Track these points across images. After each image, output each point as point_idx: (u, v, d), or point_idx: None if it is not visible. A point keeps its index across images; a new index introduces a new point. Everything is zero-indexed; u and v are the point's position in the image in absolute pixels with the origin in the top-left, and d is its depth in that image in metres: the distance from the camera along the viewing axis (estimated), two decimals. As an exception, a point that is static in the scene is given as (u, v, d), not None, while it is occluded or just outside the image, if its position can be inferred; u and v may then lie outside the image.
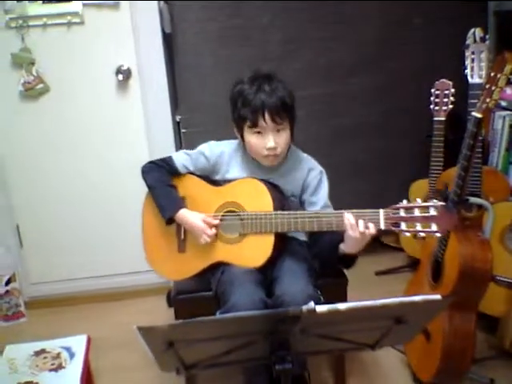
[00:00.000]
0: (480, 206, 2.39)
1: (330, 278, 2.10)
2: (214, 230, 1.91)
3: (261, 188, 1.89)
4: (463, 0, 2.89)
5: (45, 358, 2.06)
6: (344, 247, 1.79)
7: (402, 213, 1.67)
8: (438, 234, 1.66)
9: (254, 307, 1.73)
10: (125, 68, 2.80)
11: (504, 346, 2.32)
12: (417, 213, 1.65)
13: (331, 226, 1.77)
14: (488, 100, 1.86)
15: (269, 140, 1.84)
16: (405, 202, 1.68)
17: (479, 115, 1.89)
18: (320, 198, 1.96)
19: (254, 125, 1.84)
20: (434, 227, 1.65)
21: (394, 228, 1.68)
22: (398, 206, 1.67)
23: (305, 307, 1.21)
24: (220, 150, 2.01)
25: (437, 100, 2.77)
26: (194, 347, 1.29)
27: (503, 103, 2.76)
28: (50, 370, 1.99)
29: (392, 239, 3.38)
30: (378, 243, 3.38)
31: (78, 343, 2.12)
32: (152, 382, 2.40)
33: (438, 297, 1.30)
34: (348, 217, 1.71)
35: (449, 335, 2.03)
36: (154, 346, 1.24)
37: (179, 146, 2.96)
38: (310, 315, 1.21)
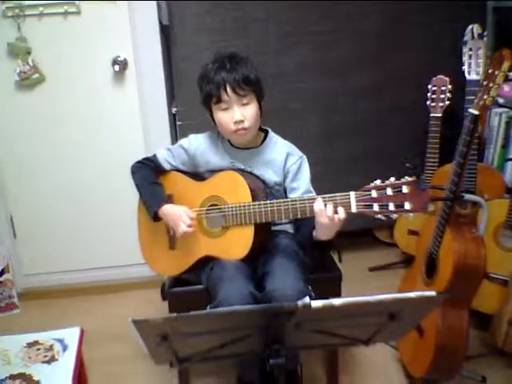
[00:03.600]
0: (475, 203, 2.36)
1: (323, 273, 2.10)
2: (191, 220, 1.90)
3: (239, 180, 1.89)
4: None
5: (38, 349, 2.05)
6: (315, 233, 1.79)
7: (374, 193, 1.62)
8: (411, 214, 1.59)
9: (243, 301, 1.73)
10: (121, 59, 2.79)
11: (496, 344, 2.32)
12: (389, 192, 1.59)
13: (305, 213, 1.75)
14: (485, 97, 1.86)
15: (234, 113, 1.85)
16: (378, 181, 1.63)
17: (476, 112, 1.89)
18: (301, 183, 1.95)
19: (219, 99, 1.86)
20: (406, 206, 1.58)
21: (366, 210, 1.63)
22: (369, 186, 1.63)
23: (300, 302, 1.21)
24: (198, 142, 2.03)
25: (433, 96, 2.77)
26: (187, 341, 1.29)
27: (500, 100, 2.76)
28: (43, 362, 1.99)
29: (385, 235, 3.39)
30: (371, 239, 3.41)
31: (71, 335, 2.11)
32: (145, 374, 2.40)
33: (432, 293, 1.30)
34: (318, 201, 1.70)
35: (442, 332, 2.03)
36: (148, 339, 1.24)
37: (175, 138, 2.94)
38: (304, 310, 1.21)
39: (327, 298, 1.87)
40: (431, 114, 2.78)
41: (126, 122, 2.92)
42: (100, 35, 2.77)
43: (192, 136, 2.06)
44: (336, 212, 1.66)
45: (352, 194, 1.66)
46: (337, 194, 1.68)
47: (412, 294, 1.27)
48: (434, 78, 2.75)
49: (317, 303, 1.21)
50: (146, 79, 2.87)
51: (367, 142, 3.11)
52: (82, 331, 2.16)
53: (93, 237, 3.07)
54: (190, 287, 2.05)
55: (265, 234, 1.93)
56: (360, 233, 3.14)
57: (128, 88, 2.88)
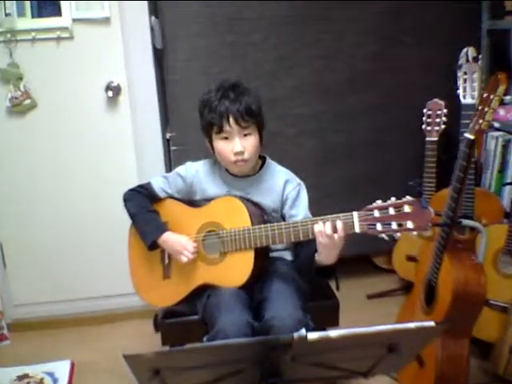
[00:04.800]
0: (473, 229, 2.36)
1: (320, 300, 2.06)
2: (195, 249, 1.91)
3: (238, 205, 1.88)
4: (457, 18, 2.88)
5: (28, 383, 1.98)
6: (318, 257, 1.78)
7: (377, 213, 1.63)
8: (415, 232, 1.61)
9: (240, 331, 1.70)
10: (115, 84, 2.76)
11: (498, 372, 2.27)
12: (391, 212, 1.61)
13: (307, 234, 1.74)
14: (481, 121, 1.83)
15: (235, 144, 1.85)
16: (379, 201, 1.64)
17: (472, 136, 1.87)
18: (300, 210, 1.94)
19: (220, 129, 1.85)
20: (409, 224, 1.60)
21: (369, 230, 1.64)
22: (371, 206, 1.64)
23: (296, 335, 1.18)
24: (195, 169, 2.02)
25: (429, 120, 2.75)
26: (181, 375, 1.25)
27: (496, 124, 2.74)
28: (33, 396, 1.91)
29: (384, 260, 3.33)
30: (369, 265, 3.35)
31: (62, 368, 2.06)
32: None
33: (432, 324, 1.27)
34: (317, 223, 1.71)
35: (442, 361, 1.99)
36: (140, 374, 1.21)
37: (169, 164, 2.90)
38: (301, 343, 1.18)
39: (324, 326, 1.90)
40: (427, 138, 2.76)
41: (119, 148, 2.88)
42: (93, 60, 2.74)
43: (189, 163, 2.05)
44: (335, 230, 1.66)
45: (355, 213, 1.66)
46: (339, 215, 1.69)
47: (411, 325, 1.24)
48: (429, 102, 2.74)
49: (313, 335, 1.18)
50: (139, 104, 2.84)
51: (363, 166, 3.07)
52: (73, 364, 2.11)
53: (84, 266, 3.00)
54: (184, 318, 2.01)
55: (263, 259, 1.92)
56: (358, 259, 3.08)
57: (121, 114, 2.84)
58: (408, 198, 1.62)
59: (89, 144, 2.86)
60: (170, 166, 2.89)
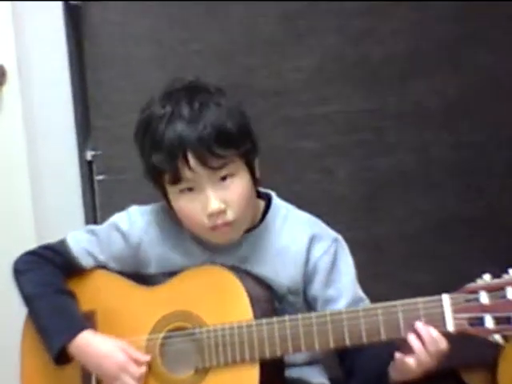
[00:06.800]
0: None
1: None
2: (143, 369, 1.44)
3: (228, 281, 1.46)
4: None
5: None
6: (393, 372, 1.38)
7: (484, 297, 1.22)
8: None
9: None
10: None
11: None
12: (510, 295, 1.21)
13: (375, 334, 1.31)
14: None
15: (208, 199, 1.40)
16: (487, 276, 1.23)
17: None
18: (342, 287, 1.50)
19: (176, 179, 1.39)
20: None
21: (472, 329, 1.23)
22: (473, 286, 1.24)
23: None
24: (146, 221, 1.57)
25: None
26: None
27: None
28: None
29: (480, 379, 2.51)
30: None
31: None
32: None
33: None
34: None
35: None
36: None
37: (91, 206, 2.18)
38: None
39: None
40: None
41: (3, 178, 2.20)
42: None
43: (135, 210, 1.59)
44: (434, 339, 1.27)
45: (446, 297, 1.26)
46: (418, 300, 1.26)
47: None
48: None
49: None
50: (38, 100, 2.15)
51: (440, 201, 2.28)
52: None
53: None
54: None
55: (276, 380, 1.50)
56: (440, 375, 2.29)
57: (6, 114, 2.16)
58: None
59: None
60: (93, 209, 2.17)
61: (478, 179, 2.35)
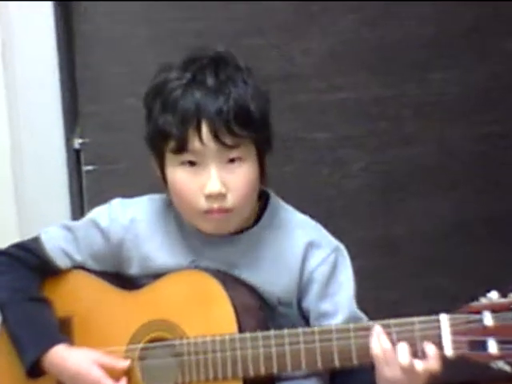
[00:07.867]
0: None
1: None
2: (123, 382, 1.35)
3: (211, 288, 1.35)
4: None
5: None
6: None
7: (489, 318, 1.12)
8: None
9: None
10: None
11: None
12: None
13: (350, 358, 1.22)
14: None
15: (210, 178, 1.28)
16: (493, 294, 1.13)
17: None
18: (339, 302, 1.38)
19: (182, 147, 1.26)
20: None
21: (472, 353, 1.12)
22: (476, 305, 1.14)
23: None
24: (130, 217, 1.44)
25: None
26: None
27: None
28: None
29: None
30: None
31: None
32: None
33: None
34: (377, 334, 1.20)
35: None
36: None
37: (78, 199, 2.05)
38: None
39: None
40: None
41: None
42: None
43: (117, 203, 1.46)
44: (416, 355, 1.16)
45: (444, 317, 1.15)
46: (414, 319, 1.17)
47: None
48: None
49: None
50: (22, 83, 2.03)
51: (460, 197, 2.14)
52: None
53: None
54: None
55: None
56: None
57: None
58: None
59: None
60: (80, 203, 2.05)
61: (500, 174, 2.22)
